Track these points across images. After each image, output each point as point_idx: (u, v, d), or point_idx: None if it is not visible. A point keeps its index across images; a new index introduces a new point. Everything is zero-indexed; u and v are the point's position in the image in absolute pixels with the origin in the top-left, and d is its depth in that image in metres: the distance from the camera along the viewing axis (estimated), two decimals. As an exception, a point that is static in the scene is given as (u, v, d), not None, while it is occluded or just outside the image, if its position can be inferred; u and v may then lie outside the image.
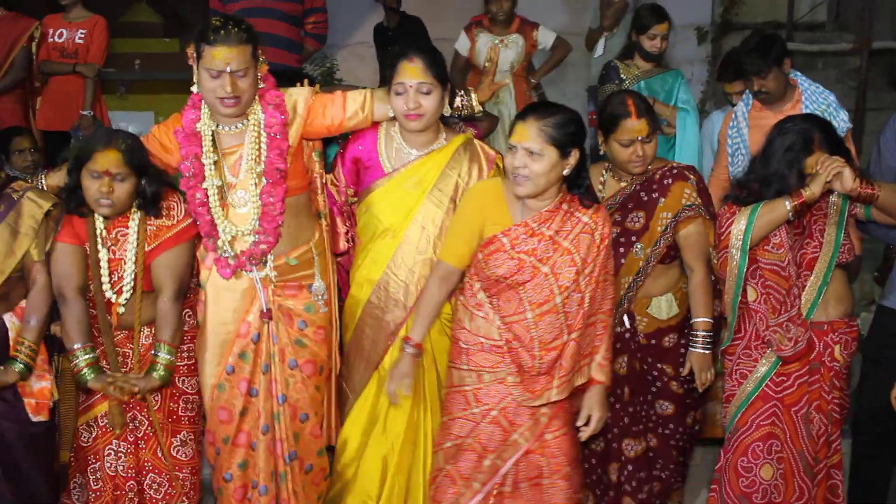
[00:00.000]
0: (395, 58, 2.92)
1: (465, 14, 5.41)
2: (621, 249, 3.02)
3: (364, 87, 3.10)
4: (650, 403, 3.12)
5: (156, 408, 2.97)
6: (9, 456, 2.81)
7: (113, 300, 2.89)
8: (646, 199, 3.04)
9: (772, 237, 2.91)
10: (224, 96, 2.75)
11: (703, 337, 3.01)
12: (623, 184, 3.09)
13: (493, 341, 2.74)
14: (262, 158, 2.87)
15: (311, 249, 3.00)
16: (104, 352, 2.91)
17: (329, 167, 3.16)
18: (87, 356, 2.83)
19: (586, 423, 2.78)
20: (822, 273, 2.94)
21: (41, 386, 2.88)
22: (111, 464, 2.95)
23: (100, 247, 2.87)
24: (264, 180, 2.87)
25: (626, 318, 3.07)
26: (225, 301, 2.95)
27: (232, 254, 2.89)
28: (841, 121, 3.71)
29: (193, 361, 3.02)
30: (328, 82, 6.25)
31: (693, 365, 3.03)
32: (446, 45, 4.70)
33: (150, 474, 3.00)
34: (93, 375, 2.83)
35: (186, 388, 3.03)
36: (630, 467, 3.10)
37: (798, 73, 3.86)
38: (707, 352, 3.02)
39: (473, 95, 3.13)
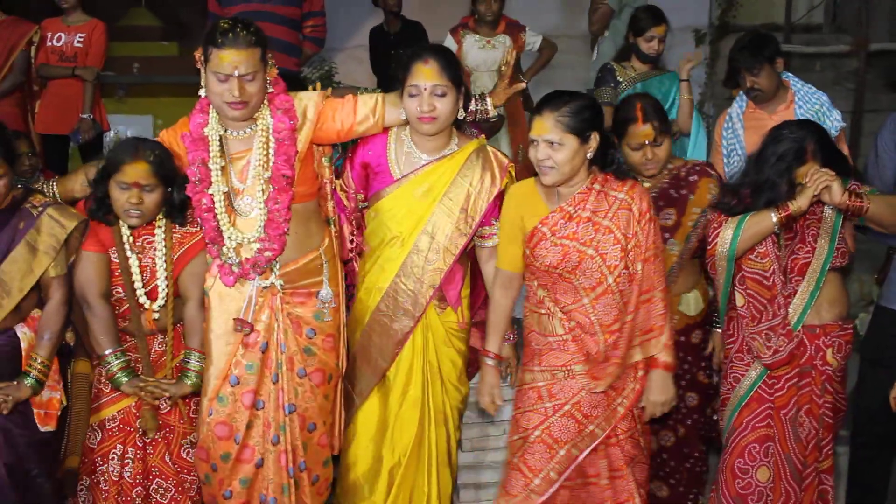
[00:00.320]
0: (409, 59, 2.87)
1: (458, 19, 5.42)
2: None
3: (376, 91, 3.07)
4: (680, 397, 3.18)
5: (166, 410, 2.99)
6: (20, 463, 2.80)
7: (146, 306, 2.92)
8: (676, 196, 3.16)
9: (757, 246, 2.92)
10: (231, 100, 2.71)
11: None
12: (647, 185, 3.17)
13: (558, 337, 2.79)
14: (270, 164, 2.82)
15: (321, 256, 2.95)
16: (137, 357, 2.94)
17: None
18: (119, 361, 2.87)
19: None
20: (815, 279, 2.92)
21: (50, 396, 2.87)
22: (115, 468, 2.95)
23: (129, 253, 2.90)
24: (271, 187, 2.82)
25: None
26: (228, 310, 2.89)
27: (236, 261, 2.85)
28: (834, 120, 3.73)
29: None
30: (327, 86, 6.25)
31: (715, 345, 3.25)
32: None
33: (157, 479, 3.00)
34: (126, 379, 2.86)
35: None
36: (665, 455, 3.28)
37: (790, 75, 3.88)
38: None
39: (488, 100, 3.08)
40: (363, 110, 2.92)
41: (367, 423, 3.07)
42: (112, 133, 5.71)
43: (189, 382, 2.91)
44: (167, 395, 2.89)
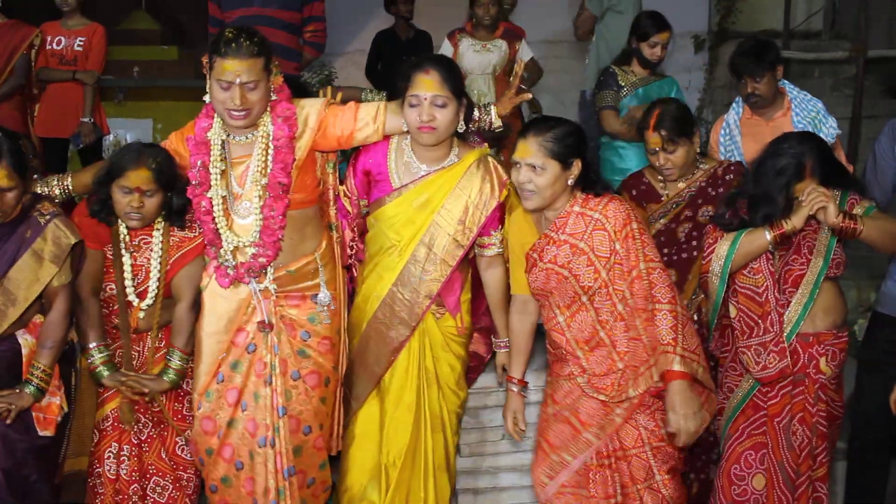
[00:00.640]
0: (411, 69, 2.87)
1: (458, 23, 5.44)
2: (694, 243, 3.26)
3: (380, 92, 3.07)
4: None
5: (158, 408, 3.04)
6: (18, 469, 2.81)
7: (134, 304, 2.97)
8: (713, 194, 3.29)
9: (751, 262, 2.92)
10: (233, 108, 2.74)
11: None
12: (681, 185, 3.31)
13: (556, 350, 2.84)
14: (268, 171, 2.84)
15: (316, 260, 2.97)
16: (121, 352, 3.00)
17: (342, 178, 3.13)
18: (102, 355, 2.95)
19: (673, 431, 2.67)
20: (808, 291, 2.92)
21: (50, 401, 2.88)
22: (111, 467, 2.99)
23: (123, 251, 2.95)
24: (268, 193, 2.85)
25: (695, 314, 3.25)
26: (220, 310, 2.93)
27: (232, 264, 2.88)
28: (830, 127, 3.73)
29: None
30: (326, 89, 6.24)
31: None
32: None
33: (154, 477, 3.04)
34: (108, 373, 2.94)
35: (190, 388, 3.04)
36: (696, 449, 3.29)
37: (786, 82, 3.88)
38: None
39: (493, 109, 3.05)
40: (364, 117, 2.92)
41: (364, 426, 3.08)
42: (112, 136, 5.73)
43: (167, 379, 2.98)
44: (146, 390, 2.96)
